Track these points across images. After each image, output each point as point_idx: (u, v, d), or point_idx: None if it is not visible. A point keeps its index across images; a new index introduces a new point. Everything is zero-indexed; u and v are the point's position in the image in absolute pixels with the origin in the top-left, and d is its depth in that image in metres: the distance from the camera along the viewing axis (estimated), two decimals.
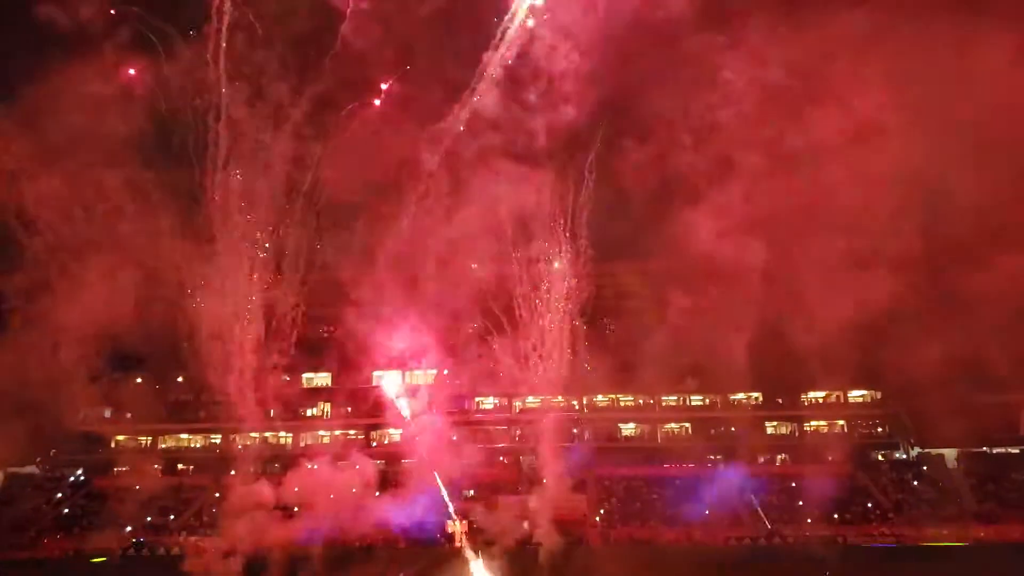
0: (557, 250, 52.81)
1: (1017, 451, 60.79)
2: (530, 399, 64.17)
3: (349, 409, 64.57)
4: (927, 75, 46.35)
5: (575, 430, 60.58)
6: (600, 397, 63.73)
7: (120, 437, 64.24)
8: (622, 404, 63.74)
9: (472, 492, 58.47)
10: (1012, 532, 52.80)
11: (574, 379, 57.07)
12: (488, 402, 65.40)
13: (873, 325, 52.67)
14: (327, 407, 65.42)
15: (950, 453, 61.01)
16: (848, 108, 47.91)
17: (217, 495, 59.59)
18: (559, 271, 52.88)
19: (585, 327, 54.55)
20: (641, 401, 63.23)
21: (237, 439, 63.64)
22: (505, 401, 65.22)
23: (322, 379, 66.10)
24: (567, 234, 52.59)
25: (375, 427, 64.32)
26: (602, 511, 56.98)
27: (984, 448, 61.14)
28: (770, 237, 50.86)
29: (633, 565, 47.97)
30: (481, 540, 51.98)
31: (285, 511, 54.22)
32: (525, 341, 54.26)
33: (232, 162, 50.85)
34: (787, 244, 51.26)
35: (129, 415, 62.08)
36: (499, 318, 54.47)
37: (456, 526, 54.31)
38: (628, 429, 64.61)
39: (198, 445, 65.07)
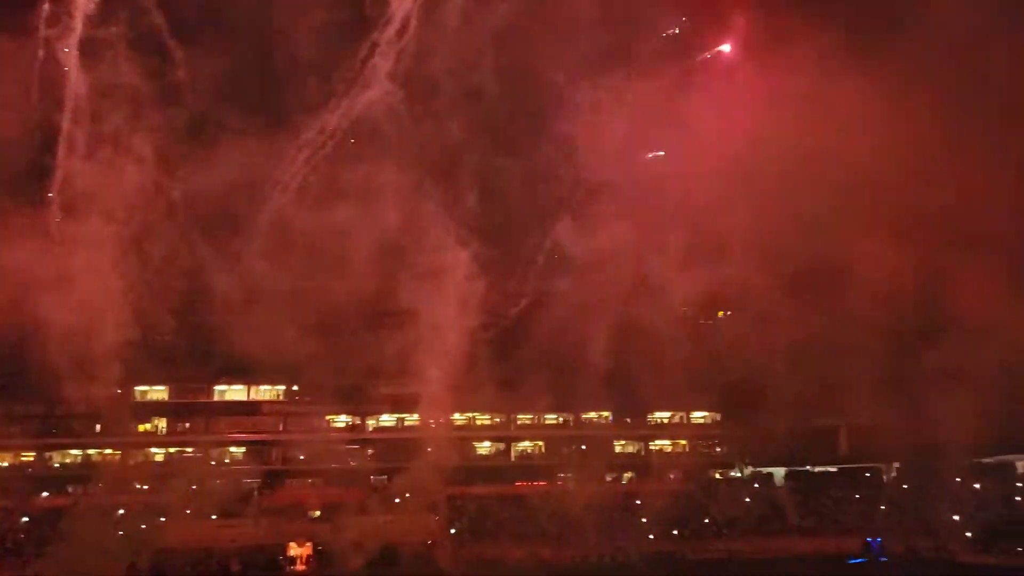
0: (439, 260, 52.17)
1: (835, 469, 66.38)
2: (384, 418, 62.98)
3: (187, 425, 60.37)
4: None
5: (429, 449, 59.46)
6: (457, 416, 63.28)
7: None
8: (478, 423, 63.66)
9: (319, 513, 56.21)
10: (828, 546, 57.12)
11: (432, 398, 56.47)
12: (340, 420, 63.29)
13: (715, 352, 56.27)
14: (162, 423, 60.79)
15: (779, 472, 65.63)
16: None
17: (25, 519, 53.70)
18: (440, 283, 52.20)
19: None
20: (497, 420, 63.45)
21: (53, 456, 58.21)
22: (358, 420, 63.48)
23: (158, 393, 61.29)
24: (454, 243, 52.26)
25: (217, 444, 60.67)
26: (453, 531, 56.30)
27: (807, 467, 66.35)
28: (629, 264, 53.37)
29: None
30: (327, 562, 50.16)
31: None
32: (385, 356, 53.28)
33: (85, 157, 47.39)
34: (647, 273, 53.90)
35: None
36: (359, 332, 53.25)
37: (299, 549, 51.98)
38: (483, 448, 64.65)
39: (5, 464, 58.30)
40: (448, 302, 51.80)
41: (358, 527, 53.22)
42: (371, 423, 63.07)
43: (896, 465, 66.12)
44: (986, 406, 47.71)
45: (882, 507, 61.58)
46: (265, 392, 61.89)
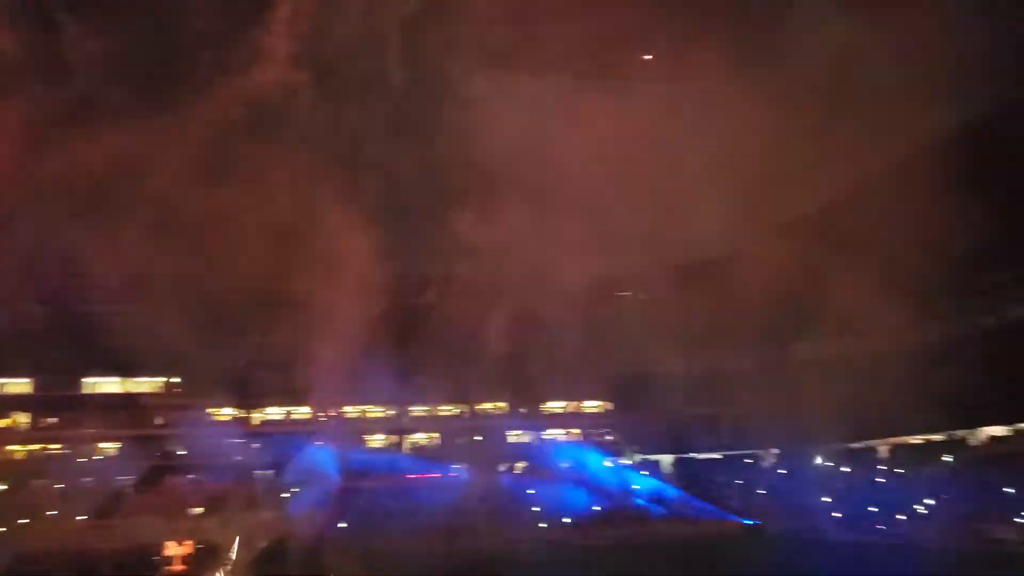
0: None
1: (719, 456, 69.25)
2: (271, 410, 60.90)
3: (55, 419, 56.31)
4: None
5: (319, 442, 57.98)
6: (348, 408, 62.00)
7: None
8: (370, 415, 62.51)
9: (201, 510, 53.69)
10: (711, 529, 59.58)
11: (322, 390, 55.10)
12: (224, 413, 60.65)
13: (607, 344, 57.48)
14: (24, 418, 56.47)
15: (666, 459, 67.86)
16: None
17: None
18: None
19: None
20: (391, 412, 62.48)
21: None
22: (243, 412, 61.05)
23: (21, 386, 56.87)
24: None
25: (89, 440, 56.89)
26: (343, 525, 55.08)
27: (692, 454, 68.93)
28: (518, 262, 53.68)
29: None
30: (211, 560, 47.97)
31: None
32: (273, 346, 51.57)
33: None
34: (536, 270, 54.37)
35: None
36: (246, 321, 51.31)
37: (177, 548, 49.39)
38: (375, 440, 63.58)
39: None
40: (339, 291, 50.67)
41: (243, 523, 51.33)
42: (257, 416, 60.83)
43: (774, 451, 69.56)
44: (853, 395, 50.76)
45: (761, 491, 64.65)
46: (142, 384, 58.62)
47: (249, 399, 59.85)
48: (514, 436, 65.78)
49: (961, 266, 46.71)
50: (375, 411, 62.47)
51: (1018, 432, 57.15)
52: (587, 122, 53.52)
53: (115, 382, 58.66)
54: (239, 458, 58.03)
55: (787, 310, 55.09)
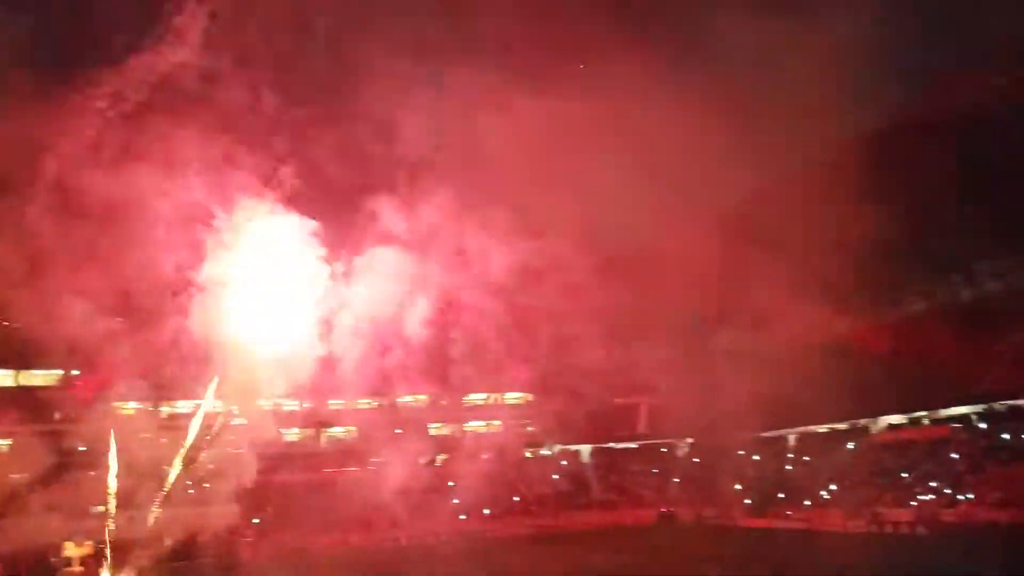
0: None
1: (636, 446, 70.66)
2: (181, 403, 58.30)
3: None
4: None
5: (232, 436, 55.88)
6: (263, 401, 59.88)
7: None
8: (285, 408, 60.68)
9: (104, 508, 51.00)
10: (626, 517, 60.92)
11: (235, 382, 53.01)
12: (129, 406, 57.63)
13: (528, 336, 57.51)
14: None
15: (584, 449, 68.77)
16: None
17: None
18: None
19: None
20: (307, 405, 60.91)
21: None
22: (150, 406, 58.19)
23: None
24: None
25: None
26: (256, 520, 53.55)
27: (610, 444, 70.12)
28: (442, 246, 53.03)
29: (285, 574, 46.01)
30: (114, 560, 45.64)
31: None
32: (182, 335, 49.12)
33: None
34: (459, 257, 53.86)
35: None
36: (148, 309, 48.66)
37: (76, 549, 46.85)
38: (291, 434, 61.86)
39: None
40: (254, 279, 48.82)
41: (150, 521, 49.05)
42: (165, 409, 58.12)
43: (688, 441, 71.47)
44: (765, 386, 52.50)
45: (675, 480, 66.38)
46: (37, 377, 55.20)
47: (157, 392, 57.04)
48: (435, 429, 65.29)
49: (868, 263, 48.86)
50: (291, 404, 60.73)
51: (913, 421, 60.48)
52: (512, 113, 53.29)
53: (7, 375, 55.06)
54: (146, 453, 55.37)
55: (703, 303, 56.44)
